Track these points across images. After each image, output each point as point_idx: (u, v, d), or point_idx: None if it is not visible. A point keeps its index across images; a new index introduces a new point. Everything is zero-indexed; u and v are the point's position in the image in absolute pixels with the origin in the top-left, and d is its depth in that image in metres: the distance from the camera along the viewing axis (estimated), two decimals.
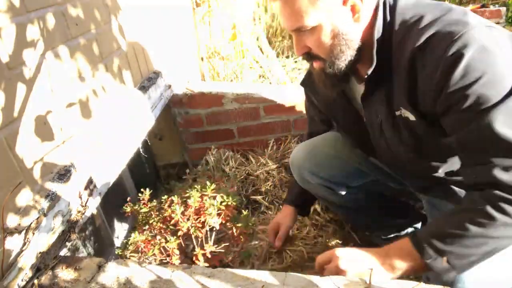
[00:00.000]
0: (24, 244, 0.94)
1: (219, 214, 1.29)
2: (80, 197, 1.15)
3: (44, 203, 1.01)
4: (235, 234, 1.31)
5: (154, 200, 1.39)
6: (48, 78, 1.08)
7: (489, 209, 0.77)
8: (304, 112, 2.08)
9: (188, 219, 1.25)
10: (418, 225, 1.49)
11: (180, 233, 1.24)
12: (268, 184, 1.95)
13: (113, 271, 0.97)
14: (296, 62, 3.67)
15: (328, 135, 1.39)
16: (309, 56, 0.95)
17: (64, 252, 1.08)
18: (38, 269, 0.97)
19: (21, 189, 0.96)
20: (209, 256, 1.24)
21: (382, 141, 1.05)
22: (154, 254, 1.22)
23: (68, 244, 1.10)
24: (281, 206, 1.80)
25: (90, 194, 1.20)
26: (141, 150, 1.67)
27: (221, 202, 1.30)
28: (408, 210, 1.50)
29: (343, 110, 1.15)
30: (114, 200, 1.52)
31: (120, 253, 1.30)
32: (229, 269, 0.95)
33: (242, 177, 2.00)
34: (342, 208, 1.46)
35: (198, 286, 0.90)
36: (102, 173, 1.28)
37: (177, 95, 2.08)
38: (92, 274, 0.97)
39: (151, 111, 1.71)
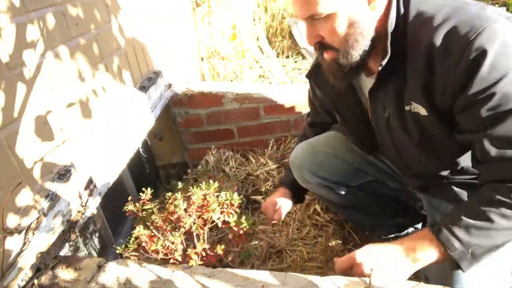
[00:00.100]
0: (24, 244, 0.94)
1: (222, 212, 1.29)
2: (80, 197, 1.15)
3: (44, 203, 1.01)
4: (239, 230, 1.30)
5: (156, 200, 1.40)
6: (48, 78, 1.08)
7: None
8: (304, 112, 2.09)
9: (190, 216, 1.26)
10: (418, 225, 1.49)
11: (182, 230, 1.24)
12: (268, 184, 1.95)
13: (113, 271, 0.97)
14: (296, 62, 3.67)
15: (328, 135, 1.39)
16: (321, 45, 0.91)
17: (64, 252, 1.08)
18: (38, 269, 0.97)
19: (21, 189, 0.96)
20: (204, 254, 1.24)
21: (387, 136, 1.04)
22: (156, 250, 1.22)
23: (68, 244, 1.10)
24: None
25: (90, 194, 1.20)
26: (141, 150, 1.67)
27: (225, 200, 1.30)
28: (408, 210, 1.50)
29: (348, 104, 1.14)
30: (114, 200, 1.53)
31: (120, 251, 1.30)
32: (229, 269, 0.95)
33: (242, 177, 2.01)
34: (342, 208, 1.46)
35: (198, 286, 0.90)
36: (102, 173, 1.28)
37: (177, 95, 2.08)
38: (92, 274, 0.97)
39: (151, 111, 1.71)
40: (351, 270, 0.89)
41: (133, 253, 1.28)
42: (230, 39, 2.91)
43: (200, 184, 1.32)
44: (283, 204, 1.36)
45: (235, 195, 1.32)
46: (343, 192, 1.37)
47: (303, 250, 1.55)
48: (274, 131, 2.19)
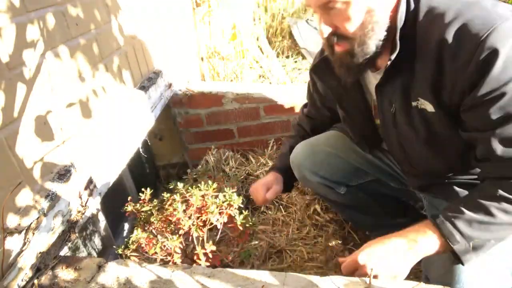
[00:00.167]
0: (24, 244, 0.94)
1: (221, 213, 1.28)
2: (80, 197, 1.15)
3: (44, 203, 1.01)
4: (239, 228, 1.29)
5: (155, 200, 1.39)
6: (48, 78, 1.08)
7: None
8: None
9: (189, 218, 1.25)
10: None
11: (181, 232, 1.24)
12: None
13: (113, 271, 0.97)
14: (296, 62, 3.67)
15: (328, 134, 1.39)
16: (334, 36, 0.88)
17: (64, 252, 1.08)
18: (38, 269, 0.97)
19: (21, 189, 0.96)
20: (210, 255, 1.24)
21: (393, 131, 1.03)
22: (155, 253, 1.22)
23: (68, 244, 1.10)
24: (281, 206, 1.81)
25: (90, 194, 1.20)
26: (141, 150, 1.67)
27: (224, 201, 1.29)
28: (408, 210, 1.50)
29: (355, 100, 1.13)
30: (114, 200, 1.52)
31: (120, 252, 1.30)
32: (229, 269, 0.95)
33: (242, 177, 2.00)
34: (342, 207, 1.46)
35: (198, 286, 0.90)
36: (102, 173, 1.28)
37: (177, 95, 2.08)
38: (92, 274, 0.97)
39: (151, 111, 1.71)
40: (356, 272, 0.90)
41: (133, 254, 1.28)
42: (230, 39, 2.91)
43: (199, 185, 1.32)
44: (274, 187, 1.36)
45: (234, 196, 1.31)
46: (343, 192, 1.37)
47: (303, 250, 1.55)
48: (274, 131, 2.19)
